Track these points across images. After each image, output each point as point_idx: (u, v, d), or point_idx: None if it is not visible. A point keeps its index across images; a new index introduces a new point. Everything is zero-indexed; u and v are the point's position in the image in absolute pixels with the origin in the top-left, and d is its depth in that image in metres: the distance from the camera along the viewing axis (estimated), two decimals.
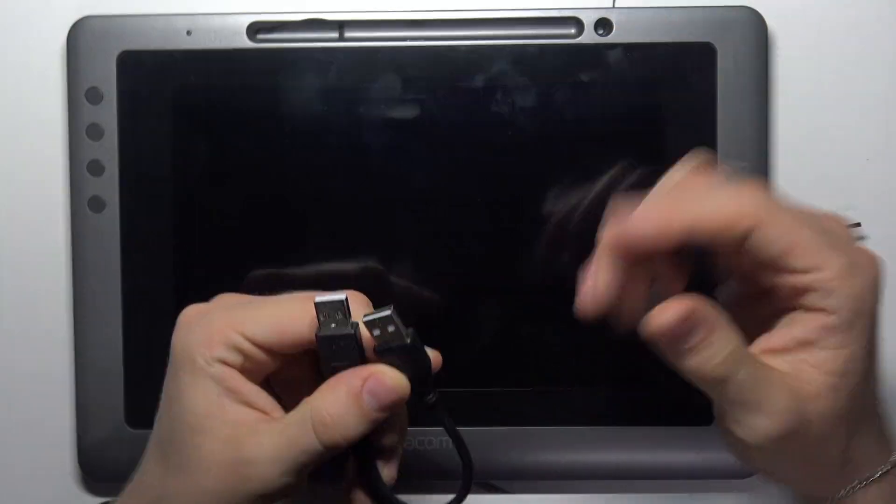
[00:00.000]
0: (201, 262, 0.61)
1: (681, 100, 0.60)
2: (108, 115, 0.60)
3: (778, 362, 0.45)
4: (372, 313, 0.45)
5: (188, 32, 0.60)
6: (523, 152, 0.60)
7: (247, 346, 0.46)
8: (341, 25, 0.60)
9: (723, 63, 0.60)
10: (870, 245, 0.63)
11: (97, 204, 0.61)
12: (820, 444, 0.46)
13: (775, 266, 0.45)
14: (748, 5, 0.60)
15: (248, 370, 0.47)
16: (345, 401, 0.46)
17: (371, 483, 0.49)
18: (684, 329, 0.44)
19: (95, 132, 0.61)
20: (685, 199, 0.45)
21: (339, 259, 0.61)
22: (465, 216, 0.61)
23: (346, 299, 0.45)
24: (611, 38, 0.60)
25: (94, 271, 0.61)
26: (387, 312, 0.45)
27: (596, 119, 0.60)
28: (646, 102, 0.60)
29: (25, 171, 0.63)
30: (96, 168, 0.61)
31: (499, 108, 0.60)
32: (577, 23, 0.60)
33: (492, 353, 0.62)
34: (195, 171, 0.61)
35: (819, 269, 0.44)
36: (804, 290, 0.45)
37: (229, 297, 0.49)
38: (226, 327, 0.46)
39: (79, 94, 0.60)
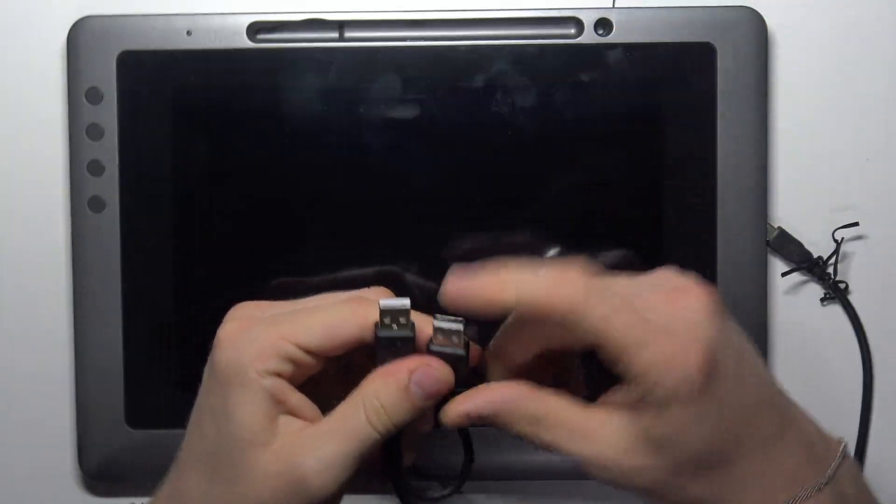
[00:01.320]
0: (201, 261, 0.61)
1: (681, 100, 0.60)
2: (108, 115, 0.60)
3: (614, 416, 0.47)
4: (444, 320, 0.47)
5: (188, 32, 0.60)
6: (523, 152, 0.60)
7: (299, 354, 0.47)
8: (341, 25, 0.60)
9: (723, 63, 0.60)
10: (869, 245, 0.63)
11: (97, 204, 0.61)
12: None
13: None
14: (748, 5, 0.60)
15: (295, 377, 0.47)
16: (395, 389, 0.47)
17: (393, 468, 0.50)
18: (475, 419, 0.48)
19: (95, 132, 0.61)
20: (510, 276, 0.47)
21: (339, 258, 0.61)
22: (465, 216, 0.61)
23: (410, 305, 0.47)
24: (611, 38, 0.60)
25: (94, 271, 0.61)
26: (460, 326, 0.47)
27: (596, 119, 0.60)
28: (646, 102, 0.60)
29: (25, 171, 0.63)
30: (96, 168, 0.61)
31: (499, 108, 0.60)
32: (577, 23, 0.60)
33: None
34: (195, 171, 0.61)
35: (628, 364, 0.45)
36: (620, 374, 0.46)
37: (250, 305, 0.49)
38: (277, 338, 0.47)
39: (79, 94, 0.60)
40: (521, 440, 0.48)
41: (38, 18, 0.62)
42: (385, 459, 0.50)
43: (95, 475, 0.63)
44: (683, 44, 0.60)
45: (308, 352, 0.47)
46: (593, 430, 0.47)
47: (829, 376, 0.63)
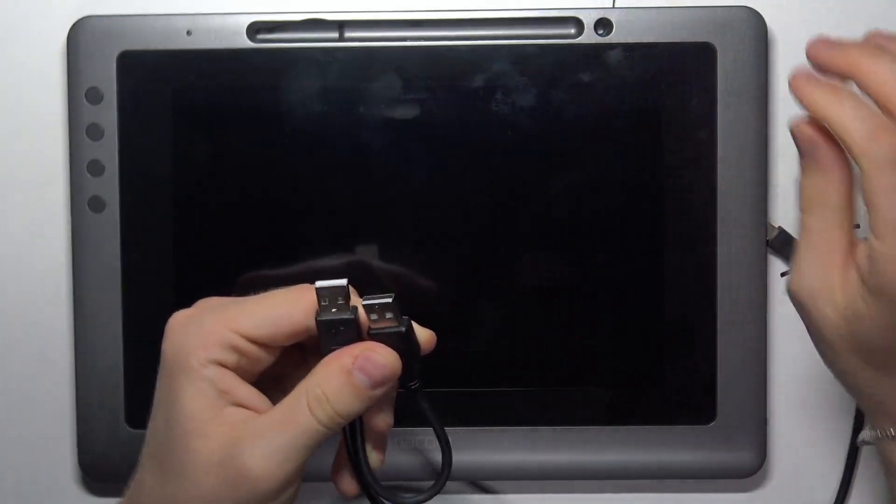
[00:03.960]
0: (201, 261, 0.61)
1: (681, 100, 0.60)
2: (108, 115, 0.60)
3: None
4: (373, 297, 0.46)
5: (188, 32, 0.60)
6: (523, 152, 0.60)
7: (242, 343, 0.46)
8: (341, 25, 0.60)
9: (723, 63, 0.60)
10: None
11: (97, 204, 0.61)
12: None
13: None
14: (748, 5, 0.60)
15: (243, 369, 0.47)
16: (338, 377, 0.46)
17: (358, 465, 0.50)
18: None
19: (95, 132, 0.60)
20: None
21: (341, 258, 0.61)
22: (464, 216, 0.61)
23: (348, 284, 0.46)
24: (611, 38, 0.60)
25: (94, 271, 0.61)
26: (388, 299, 0.46)
27: (596, 119, 0.60)
28: (646, 102, 0.60)
29: (25, 171, 0.63)
30: (96, 168, 0.61)
31: (499, 108, 0.60)
32: (577, 23, 0.60)
33: (491, 352, 0.62)
34: (195, 171, 0.61)
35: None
36: None
37: (214, 299, 0.49)
38: (220, 327, 0.46)
39: (79, 94, 0.60)
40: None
41: (38, 18, 0.62)
42: (349, 458, 0.50)
43: (95, 475, 0.63)
44: (683, 44, 0.60)
45: (253, 341, 0.46)
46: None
47: (829, 376, 0.63)
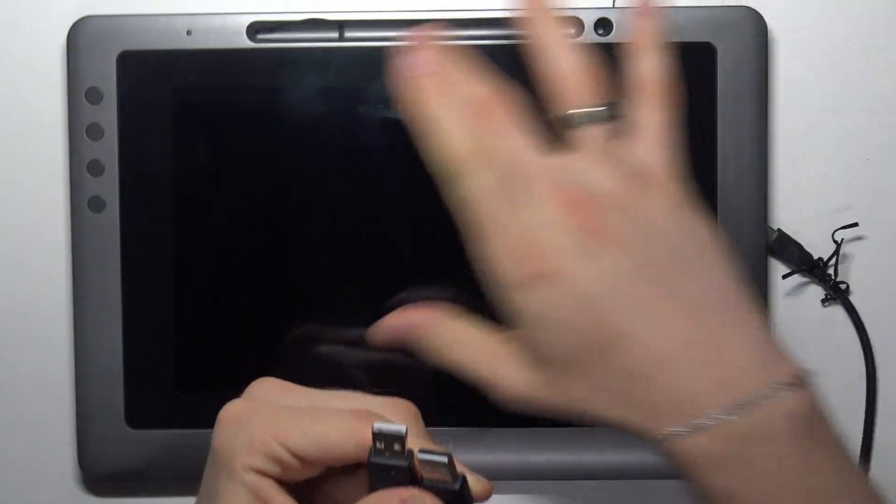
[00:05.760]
0: (201, 261, 0.61)
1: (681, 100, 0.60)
2: (108, 115, 0.60)
3: None
4: (429, 452, 0.45)
5: (188, 32, 0.60)
6: None
7: (287, 458, 0.45)
8: (341, 25, 0.61)
9: (723, 63, 0.60)
10: (869, 245, 0.63)
11: (97, 204, 0.61)
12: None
13: None
14: (748, 5, 0.60)
15: (285, 478, 0.46)
16: None
17: None
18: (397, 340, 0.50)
19: (95, 132, 0.61)
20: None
21: (338, 258, 0.61)
22: None
23: (406, 432, 0.45)
24: (611, 38, 0.60)
25: (94, 271, 0.61)
26: (444, 459, 0.45)
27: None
28: None
29: (25, 171, 0.63)
30: (96, 168, 0.61)
31: None
32: (577, 23, 0.60)
33: None
34: (195, 171, 0.61)
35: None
36: None
37: (270, 386, 0.48)
38: (269, 437, 0.45)
39: (79, 94, 0.60)
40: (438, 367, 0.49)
41: (38, 18, 0.62)
42: None
43: (95, 475, 0.63)
44: (683, 44, 0.60)
45: (297, 457, 0.45)
46: (498, 352, 0.48)
47: (832, 377, 0.63)
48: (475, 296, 0.61)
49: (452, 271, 0.61)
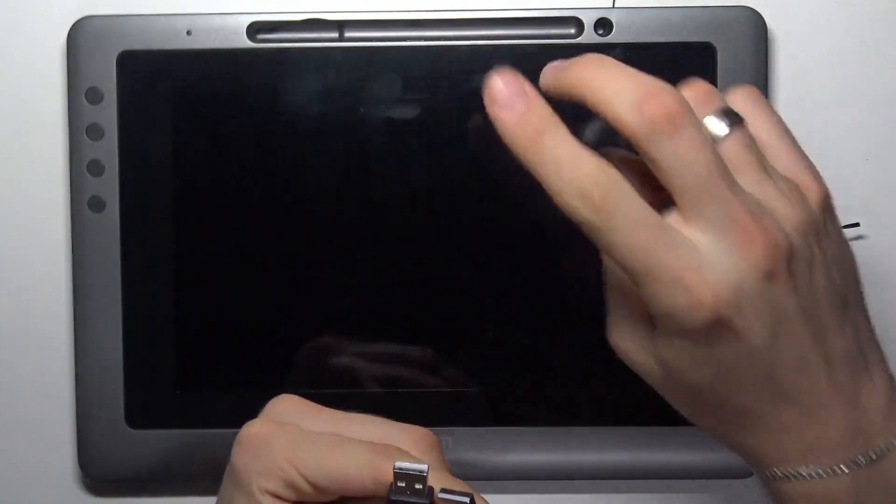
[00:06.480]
0: (201, 261, 0.61)
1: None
2: (108, 115, 0.60)
3: None
4: (451, 493, 0.45)
5: (188, 32, 0.60)
6: None
7: (304, 485, 0.45)
8: (341, 25, 0.61)
9: (723, 63, 0.60)
10: (870, 245, 0.63)
11: (97, 204, 0.61)
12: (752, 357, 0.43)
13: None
14: (748, 5, 0.60)
15: (301, 500, 0.46)
16: None
17: None
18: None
19: (95, 132, 0.61)
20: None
21: (338, 257, 0.61)
22: (465, 216, 0.61)
23: (428, 471, 0.44)
24: (611, 38, 0.60)
25: (94, 271, 0.61)
26: (465, 500, 0.45)
27: (596, 119, 0.60)
28: None
29: (25, 171, 0.63)
30: (96, 168, 0.61)
31: None
32: (577, 23, 0.60)
33: (491, 352, 0.62)
34: (195, 171, 0.61)
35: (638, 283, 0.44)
36: None
37: (291, 404, 0.48)
38: (287, 464, 0.45)
39: (79, 94, 0.60)
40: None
41: (38, 18, 0.62)
42: None
43: (95, 475, 0.63)
44: (683, 44, 0.60)
45: (313, 486, 0.45)
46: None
47: None
48: (471, 297, 0.62)
49: (454, 270, 0.62)
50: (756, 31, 0.60)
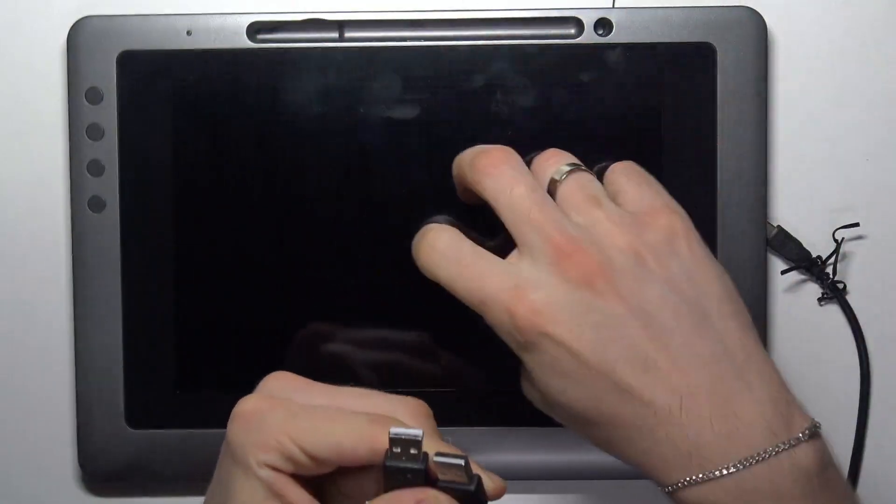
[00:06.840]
0: (201, 261, 0.61)
1: (681, 100, 0.60)
2: (108, 115, 0.60)
3: None
4: (446, 456, 0.45)
5: (188, 32, 0.60)
6: (524, 152, 0.60)
7: (300, 457, 0.45)
8: (341, 25, 0.61)
9: (723, 63, 0.60)
10: (869, 245, 0.63)
11: (97, 204, 0.61)
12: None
13: None
14: (748, 5, 0.60)
15: (299, 473, 0.46)
16: None
17: None
18: None
19: (95, 132, 0.61)
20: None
21: (338, 257, 0.61)
22: (464, 216, 0.61)
23: (422, 436, 0.45)
24: (611, 38, 0.60)
25: (94, 271, 0.61)
26: (460, 462, 0.45)
27: (596, 119, 0.60)
28: (646, 102, 0.60)
29: (25, 171, 0.63)
30: (96, 168, 0.61)
31: (499, 108, 0.60)
32: (577, 23, 0.60)
33: (489, 351, 0.62)
34: (195, 171, 0.61)
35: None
36: None
37: (286, 381, 0.48)
38: (283, 436, 0.45)
39: (79, 94, 0.60)
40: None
41: (38, 18, 0.62)
42: None
43: (95, 475, 0.63)
44: (683, 44, 0.60)
45: (310, 456, 0.45)
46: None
47: (827, 375, 0.64)
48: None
49: None
50: (756, 31, 0.60)
